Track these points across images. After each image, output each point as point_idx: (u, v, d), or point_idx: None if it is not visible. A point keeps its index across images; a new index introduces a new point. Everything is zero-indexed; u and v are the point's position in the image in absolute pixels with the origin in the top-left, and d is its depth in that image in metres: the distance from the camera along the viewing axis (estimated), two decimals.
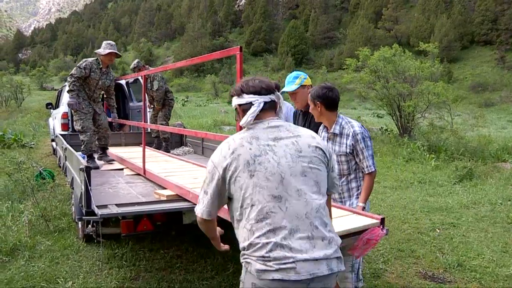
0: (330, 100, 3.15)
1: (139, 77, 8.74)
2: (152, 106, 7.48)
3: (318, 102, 3.15)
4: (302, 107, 3.74)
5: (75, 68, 5.73)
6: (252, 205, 1.81)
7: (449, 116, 14.12)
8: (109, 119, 6.40)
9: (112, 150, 6.32)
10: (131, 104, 8.91)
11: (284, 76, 58.00)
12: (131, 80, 8.94)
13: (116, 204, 3.57)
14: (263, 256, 1.75)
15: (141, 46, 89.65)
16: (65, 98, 8.72)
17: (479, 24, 61.49)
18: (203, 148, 6.93)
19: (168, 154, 6.52)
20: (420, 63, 14.59)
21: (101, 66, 5.77)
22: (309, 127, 3.48)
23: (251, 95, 1.98)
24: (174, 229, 4.00)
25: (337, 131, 3.18)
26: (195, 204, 3.72)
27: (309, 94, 3.22)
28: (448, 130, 13.07)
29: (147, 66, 7.33)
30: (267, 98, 1.99)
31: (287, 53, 69.03)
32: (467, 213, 6.42)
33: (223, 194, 1.95)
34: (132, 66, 7.30)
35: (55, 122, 9.70)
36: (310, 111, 3.26)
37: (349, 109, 38.13)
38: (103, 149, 6.07)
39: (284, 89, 3.70)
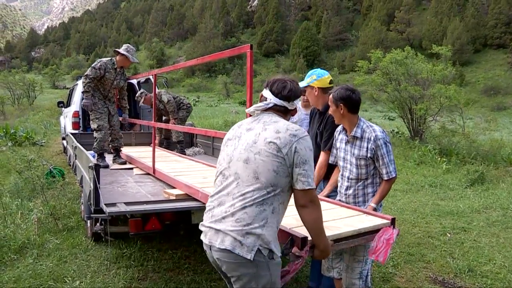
0: (353, 102, 3.09)
1: (150, 77, 8.77)
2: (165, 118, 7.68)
3: (340, 104, 3.08)
4: (313, 105, 3.70)
5: (90, 69, 5.76)
6: (216, 175, 2.24)
7: (461, 119, 13.95)
8: (120, 119, 6.38)
9: (123, 150, 6.32)
10: (142, 104, 8.94)
11: (295, 77, 57.76)
12: (142, 80, 8.96)
13: (124, 203, 3.56)
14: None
15: (153, 46, 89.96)
16: (77, 96, 8.78)
17: (492, 27, 60.92)
18: (213, 148, 6.91)
19: (178, 154, 6.47)
20: (432, 66, 14.45)
21: (115, 66, 5.80)
22: (324, 128, 3.52)
23: (270, 93, 2.25)
24: (183, 229, 3.98)
25: (358, 134, 3.11)
26: (204, 204, 3.74)
27: (331, 95, 3.14)
28: (460, 133, 12.93)
29: (150, 94, 7.39)
30: (279, 102, 2.23)
31: (299, 55, 68.92)
32: (478, 218, 6.34)
33: None
34: (136, 95, 7.57)
35: (66, 120, 9.76)
36: (331, 112, 3.19)
37: (360, 111, 37.64)
38: (117, 151, 6.02)
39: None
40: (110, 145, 6.01)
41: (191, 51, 76.85)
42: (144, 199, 3.79)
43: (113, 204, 3.51)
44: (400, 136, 14.66)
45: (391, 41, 61.32)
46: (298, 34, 72.02)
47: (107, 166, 5.55)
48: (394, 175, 3.07)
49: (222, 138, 5.69)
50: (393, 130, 15.77)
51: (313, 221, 2.08)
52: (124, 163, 5.80)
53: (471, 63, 57.97)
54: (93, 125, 5.75)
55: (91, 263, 4.30)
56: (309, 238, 2.16)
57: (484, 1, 65.68)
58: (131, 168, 5.50)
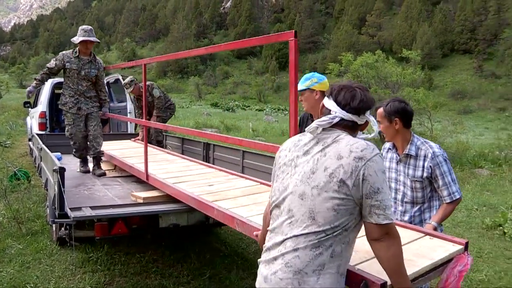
0: (408, 116, 2.81)
1: (120, 77, 8.63)
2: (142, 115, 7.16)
3: (396, 119, 2.77)
4: (307, 110, 3.48)
5: None
6: (270, 204, 1.89)
7: (429, 122, 14.25)
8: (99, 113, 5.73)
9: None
10: (111, 104, 8.79)
11: (267, 79, 57.90)
12: (111, 80, 8.82)
13: (90, 207, 3.49)
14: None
15: (124, 46, 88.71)
16: (44, 97, 8.56)
17: (459, 33, 62.43)
18: (183, 150, 6.84)
19: (166, 151, 6.04)
20: (402, 69, 14.75)
21: (77, 55, 5.17)
22: None
23: (335, 105, 1.82)
24: (150, 233, 3.93)
25: (412, 152, 2.79)
26: (179, 208, 3.69)
27: (381, 109, 2.82)
28: (428, 136, 13.20)
29: (140, 84, 6.79)
30: (347, 115, 1.79)
31: (271, 57, 69.12)
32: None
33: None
34: (125, 81, 6.86)
35: (33, 121, 9.52)
36: (382, 130, 2.84)
37: None
38: (96, 159, 5.30)
39: None
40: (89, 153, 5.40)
41: (163, 52, 76.02)
42: (111, 203, 3.73)
43: (79, 208, 3.44)
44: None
45: (362, 44, 62.10)
46: None
47: (87, 171, 5.20)
48: (458, 196, 2.74)
49: (194, 140, 5.34)
50: (363, 132, 15.97)
51: (391, 258, 1.66)
52: (103, 174, 5.14)
53: (439, 67, 59.24)
54: (66, 133, 5.25)
55: (55, 268, 4.19)
56: (389, 282, 1.71)
57: (451, 8, 67.24)
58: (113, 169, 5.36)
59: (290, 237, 1.68)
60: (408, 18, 65.74)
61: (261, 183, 3.72)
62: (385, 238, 1.65)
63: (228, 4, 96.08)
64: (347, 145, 1.69)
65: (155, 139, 6.94)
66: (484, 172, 11.27)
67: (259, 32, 78.55)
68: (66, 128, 5.25)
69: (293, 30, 2.32)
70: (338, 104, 1.80)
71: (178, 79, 66.94)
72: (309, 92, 3.29)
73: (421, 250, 2.14)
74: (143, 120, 4.76)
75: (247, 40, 2.77)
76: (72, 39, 5.30)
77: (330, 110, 1.82)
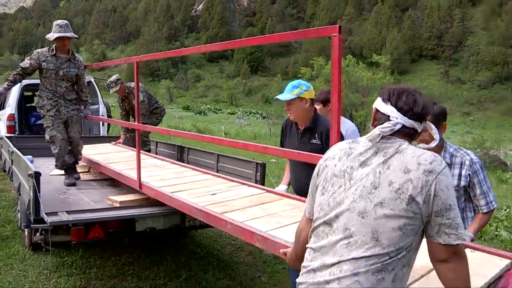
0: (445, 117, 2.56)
1: (92, 79, 8.54)
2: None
3: (444, 123, 2.55)
4: (295, 119, 3.31)
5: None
6: (315, 219, 1.66)
7: None
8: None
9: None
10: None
11: (239, 83, 58.10)
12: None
13: (66, 211, 3.48)
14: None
15: (94, 48, 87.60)
16: (12, 98, 8.41)
17: (426, 40, 64.09)
18: (156, 152, 6.82)
19: (152, 155, 5.64)
20: (373, 74, 15.09)
21: (54, 53, 4.67)
22: (304, 146, 3.09)
23: (394, 110, 1.61)
24: (127, 236, 3.93)
25: (448, 160, 2.56)
26: (155, 212, 3.70)
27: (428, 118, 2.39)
28: None
29: (126, 84, 6.33)
30: (409, 122, 1.60)
31: (243, 60, 69.36)
32: None
33: (313, 197, 1.72)
34: (110, 79, 6.25)
35: (1, 124, 9.32)
36: (425, 138, 2.51)
37: None
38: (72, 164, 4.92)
39: (278, 97, 3.29)
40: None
41: (133, 55, 75.33)
42: (87, 207, 3.72)
43: (55, 213, 3.41)
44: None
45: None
46: None
47: (73, 184, 4.64)
48: (495, 206, 2.58)
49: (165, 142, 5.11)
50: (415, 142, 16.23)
51: (460, 281, 1.50)
52: (78, 178, 4.82)
53: (408, 72, 60.58)
54: (46, 136, 4.74)
55: (29, 273, 4.14)
56: None
57: (419, 15, 68.88)
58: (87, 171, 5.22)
59: (348, 260, 1.49)
60: (378, 23, 67.07)
61: (268, 191, 3.43)
62: (453, 259, 1.48)
63: (200, 7, 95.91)
64: (414, 156, 1.51)
65: (145, 146, 6.27)
66: None
67: (231, 36, 78.70)
68: (46, 132, 4.76)
69: (338, 25, 2.03)
70: (399, 109, 1.61)
71: (149, 82, 66.40)
72: (298, 100, 3.16)
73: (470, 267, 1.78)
74: (135, 123, 4.16)
75: (284, 34, 2.38)
76: (46, 36, 4.78)
77: (389, 116, 1.62)
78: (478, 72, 52.99)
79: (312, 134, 3.21)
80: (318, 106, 3.60)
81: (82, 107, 5.12)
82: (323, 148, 3.02)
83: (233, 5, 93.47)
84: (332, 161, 1.65)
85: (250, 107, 51.33)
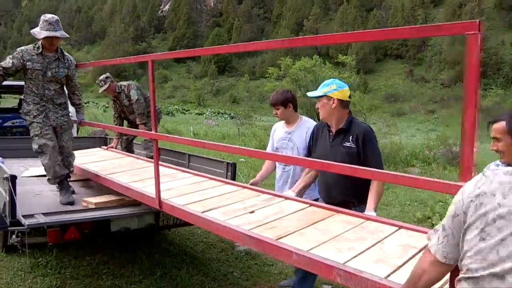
0: None
1: None
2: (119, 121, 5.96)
3: None
4: (323, 119, 3.20)
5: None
6: (470, 270, 1.38)
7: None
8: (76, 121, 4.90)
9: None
10: None
11: (206, 83, 57.64)
12: None
13: (43, 213, 3.55)
14: None
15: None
16: None
17: (391, 39, 65.45)
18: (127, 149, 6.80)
19: (160, 163, 4.74)
20: (339, 73, 15.45)
21: (41, 51, 4.11)
22: (366, 148, 2.99)
23: None
24: (102, 237, 4.03)
25: None
26: (130, 212, 3.79)
27: (501, 124, 2.31)
28: None
29: (118, 84, 5.78)
30: None
31: (210, 61, 69.25)
32: (380, 214, 6.95)
33: (457, 238, 1.44)
34: (100, 78, 5.72)
35: None
36: (505, 148, 2.36)
37: (270, 116, 39.04)
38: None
39: (308, 93, 3.27)
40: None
41: (100, 55, 74.28)
42: (62, 209, 3.80)
43: (31, 215, 3.48)
44: None
45: (300, 49, 63.51)
46: (209, 40, 72.30)
47: (72, 203, 3.98)
48: None
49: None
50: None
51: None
52: (73, 192, 4.22)
53: (374, 72, 61.70)
54: (34, 146, 4.15)
55: (3, 275, 4.19)
56: None
57: (384, 15, 70.26)
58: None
59: None
60: (344, 23, 68.01)
61: (311, 204, 3.04)
62: None
63: (166, 7, 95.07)
64: None
65: (148, 154, 5.59)
66: (416, 170, 12.11)
67: (198, 36, 78.49)
68: (33, 141, 4.16)
69: (477, 20, 1.58)
70: None
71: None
72: (326, 99, 3.07)
73: None
74: (153, 132, 3.45)
75: (406, 28, 1.90)
76: (32, 32, 4.14)
77: None
78: (441, 71, 54.46)
79: (345, 137, 3.07)
80: (278, 110, 3.69)
81: (69, 112, 4.55)
82: (358, 153, 2.97)
83: (199, 5, 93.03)
84: (492, 198, 1.35)
85: (218, 108, 51.35)
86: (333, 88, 3.04)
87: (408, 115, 45.31)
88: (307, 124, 3.71)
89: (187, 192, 3.44)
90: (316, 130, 3.36)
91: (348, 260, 2.07)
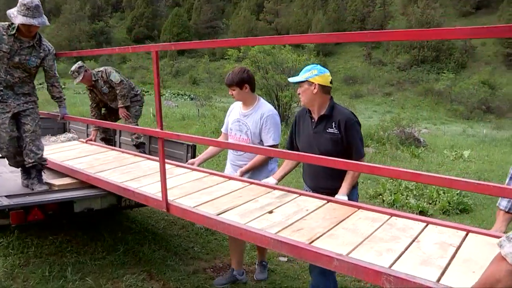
0: None
1: None
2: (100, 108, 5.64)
3: None
4: (305, 104, 3.18)
5: None
6: None
7: None
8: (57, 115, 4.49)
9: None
10: None
11: (166, 64, 56.47)
12: None
13: (6, 196, 3.59)
14: None
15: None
16: None
17: (350, 23, 66.17)
18: (87, 134, 6.84)
19: (148, 156, 4.59)
20: (298, 56, 15.68)
21: (14, 33, 3.73)
22: (348, 134, 3.02)
23: None
24: (66, 217, 4.12)
25: None
26: (93, 193, 3.84)
27: None
28: None
29: (92, 71, 5.40)
30: None
31: (170, 41, 67.95)
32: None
33: None
34: (73, 68, 5.26)
35: None
36: None
37: (230, 98, 39.12)
38: (36, 170, 4.02)
39: (289, 79, 3.24)
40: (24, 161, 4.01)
41: (54, 34, 71.77)
42: (25, 191, 3.86)
43: None
44: None
45: (260, 30, 63.61)
46: (169, 20, 71.11)
47: (45, 190, 3.90)
48: None
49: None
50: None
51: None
52: (47, 190, 3.96)
53: (333, 54, 62.43)
54: None
55: None
56: None
57: None
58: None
59: None
60: (304, 6, 68.21)
61: (328, 200, 2.93)
62: None
63: None
64: None
65: (136, 141, 5.36)
66: (370, 150, 12.63)
67: (157, 16, 76.98)
68: None
69: None
70: None
71: (72, 63, 63.55)
72: (307, 84, 3.05)
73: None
74: (158, 130, 2.96)
75: (451, 29, 1.71)
76: (8, 13, 3.69)
77: None
78: (397, 55, 55.65)
79: (328, 123, 3.06)
80: (234, 91, 3.63)
81: (36, 99, 4.16)
82: (341, 138, 3.00)
83: None
84: None
85: (178, 89, 50.80)
86: (314, 73, 3.04)
87: (366, 97, 46.35)
88: (263, 109, 3.66)
89: (192, 191, 3.21)
90: (298, 117, 3.32)
91: (393, 264, 2.02)
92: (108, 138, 5.71)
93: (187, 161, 4.65)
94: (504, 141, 19.72)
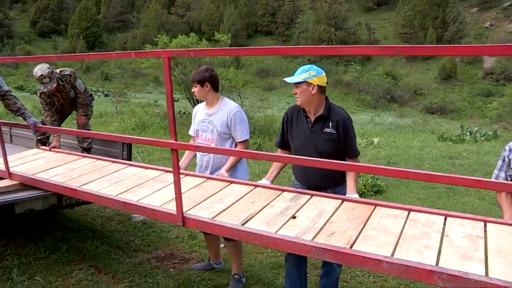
0: None
1: None
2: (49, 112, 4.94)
3: None
4: (301, 105, 3.18)
5: None
6: None
7: (239, 99, 15.81)
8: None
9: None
10: None
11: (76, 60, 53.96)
12: None
13: None
14: None
15: None
16: None
17: (261, 16, 67.54)
18: (11, 135, 6.64)
19: (130, 163, 4.21)
20: None
21: None
22: (344, 134, 3.10)
23: None
24: (7, 220, 4.10)
25: None
26: (35, 195, 3.84)
27: None
28: None
29: (58, 75, 4.84)
30: None
31: (78, 36, 65.18)
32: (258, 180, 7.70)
33: None
34: (41, 73, 4.58)
35: None
36: None
37: (144, 93, 38.53)
38: None
39: (285, 79, 3.21)
40: None
41: None
42: None
43: None
44: (187, 116, 15.86)
45: (172, 24, 62.91)
46: (76, 13, 67.89)
47: None
48: None
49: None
50: (180, 111, 16.87)
51: None
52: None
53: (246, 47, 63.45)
54: None
55: None
56: None
57: None
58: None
59: None
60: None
61: (343, 199, 2.92)
62: None
63: None
64: None
65: (87, 144, 5.11)
66: None
67: (64, 9, 73.28)
68: None
69: None
70: None
71: None
72: (305, 85, 3.07)
73: None
74: (172, 141, 2.72)
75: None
76: None
77: None
78: None
79: (325, 123, 3.12)
80: (196, 88, 3.68)
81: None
82: (338, 138, 3.09)
83: None
84: None
85: (90, 85, 48.56)
86: (312, 74, 3.06)
87: (278, 89, 47.65)
88: (228, 108, 3.71)
89: (200, 200, 3.02)
90: (290, 116, 3.32)
91: (438, 261, 2.06)
92: (45, 141, 5.24)
93: (123, 158, 4.80)
94: (407, 127, 21.36)
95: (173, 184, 2.73)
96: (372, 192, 7.28)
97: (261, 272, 4.18)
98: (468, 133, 15.26)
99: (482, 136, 14.65)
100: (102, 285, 3.84)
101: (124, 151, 4.92)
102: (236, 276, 3.89)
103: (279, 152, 3.48)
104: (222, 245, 4.43)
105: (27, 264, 4.16)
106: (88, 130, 5.16)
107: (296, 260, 3.36)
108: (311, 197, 2.98)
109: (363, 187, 7.31)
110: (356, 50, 2.25)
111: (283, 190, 3.13)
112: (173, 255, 4.55)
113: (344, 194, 3.15)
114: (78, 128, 5.12)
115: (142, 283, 3.90)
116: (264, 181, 3.36)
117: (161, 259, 4.46)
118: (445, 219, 2.54)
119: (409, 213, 2.64)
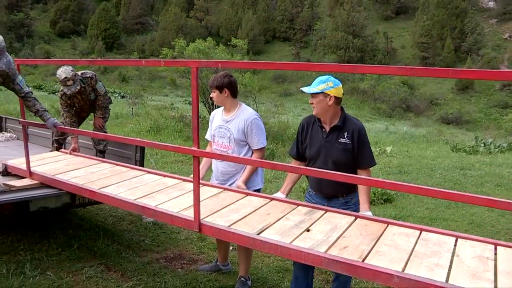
0: None
1: None
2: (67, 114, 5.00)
3: None
4: (317, 115, 3.23)
5: None
6: None
7: (255, 104, 15.90)
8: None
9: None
10: None
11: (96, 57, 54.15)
12: None
13: None
14: None
15: None
16: None
17: (279, 22, 67.74)
18: (27, 134, 6.76)
19: (148, 170, 4.27)
20: (231, 56, 16.09)
21: None
22: (360, 144, 3.15)
23: None
24: (21, 216, 4.23)
25: None
26: (49, 193, 3.96)
27: None
28: None
29: (80, 77, 4.82)
30: None
31: (97, 37, 66.05)
32: (270, 186, 7.77)
33: None
34: (65, 75, 4.60)
35: None
36: None
37: (161, 95, 38.84)
38: None
39: (302, 89, 3.27)
40: None
41: None
42: None
43: None
44: (202, 120, 15.99)
45: (190, 28, 63.41)
46: (96, 15, 68.87)
47: None
48: None
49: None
50: None
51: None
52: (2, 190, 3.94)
53: (263, 53, 63.52)
54: None
55: None
56: None
57: None
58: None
59: None
60: (235, 4, 68.79)
61: (356, 216, 2.99)
62: None
63: None
64: None
65: (103, 146, 5.20)
66: None
67: (83, 10, 74.34)
68: None
69: None
70: None
71: None
72: (323, 96, 3.11)
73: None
74: (194, 148, 2.87)
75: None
76: None
77: None
78: (325, 55, 57.58)
79: (340, 133, 3.17)
80: (214, 93, 3.71)
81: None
82: (353, 148, 3.12)
83: None
84: None
85: (107, 86, 48.92)
86: (330, 85, 3.10)
87: (295, 96, 47.61)
88: (245, 115, 3.72)
89: (217, 209, 3.10)
90: (306, 125, 3.37)
91: (448, 278, 2.14)
92: (62, 142, 5.35)
93: (135, 161, 4.91)
94: (421, 137, 21.29)
95: (190, 193, 2.83)
96: (382, 201, 7.29)
97: (267, 275, 4.25)
98: (482, 145, 15.10)
99: (496, 148, 14.49)
100: (111, 283, 3.94)
101: (137, 153, 5.02)
102: (242, 279, 3.96)
103: (293, 163, 3.48)
104: (231, 248, 4.52)
105: (39, 259, 4.27)
106: (104, 132, 5.22)
107: (305, 264, 3.42)
108: (325, 212, 3.05)
109: (373, 195, 7.33)
110: (374, 69, 2.32)
111: (298, 205, 3.20)
112: (181, 256, 4.64)
113: (356, 202, 3.26)
114: (94, 130, 5.22)
115: (150, 281, 3.99)
116: (279, 195, 3.43)
117: (170, 259, 4.55)
118: (456, 240, 2.60)
119: (421, 233, 2.70)
